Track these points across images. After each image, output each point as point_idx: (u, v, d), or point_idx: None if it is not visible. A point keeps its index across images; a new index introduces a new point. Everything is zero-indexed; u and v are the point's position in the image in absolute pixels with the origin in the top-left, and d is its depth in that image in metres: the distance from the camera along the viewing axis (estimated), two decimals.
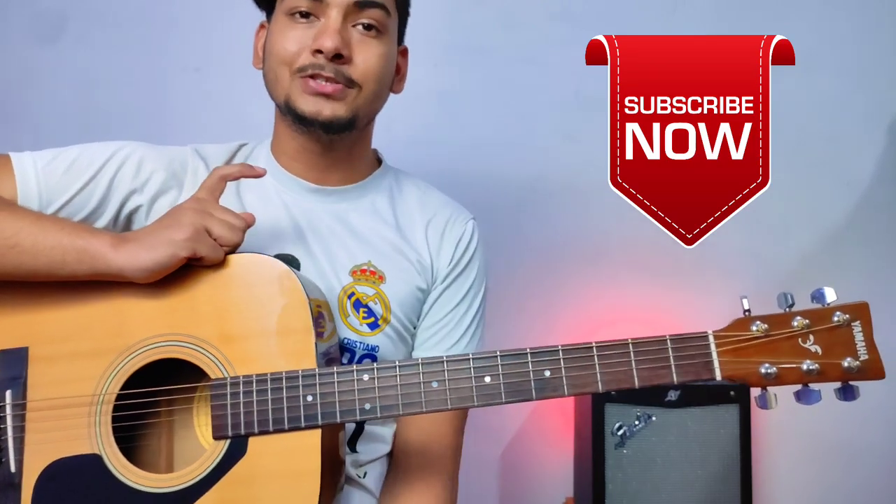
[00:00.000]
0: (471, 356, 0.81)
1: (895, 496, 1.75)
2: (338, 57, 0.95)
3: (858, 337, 0.78)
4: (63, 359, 0.87)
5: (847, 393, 0.79)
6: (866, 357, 0.78)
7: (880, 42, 1.76)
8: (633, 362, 0.80)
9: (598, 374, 0.80)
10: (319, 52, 0.95)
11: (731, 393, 1.47)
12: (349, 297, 0.98)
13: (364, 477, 0.99)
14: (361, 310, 0.99)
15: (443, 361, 0.81)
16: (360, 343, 0.98)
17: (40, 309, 0.88)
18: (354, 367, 0.82)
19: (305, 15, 0.97)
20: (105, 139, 1.00)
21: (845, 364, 0.77)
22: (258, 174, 0.92)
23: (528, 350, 0.80)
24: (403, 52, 1.10)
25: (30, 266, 0.86)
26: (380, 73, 0.99)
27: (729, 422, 1.48)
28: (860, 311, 0.79)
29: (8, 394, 0.86)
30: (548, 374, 0.80)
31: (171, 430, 0.91)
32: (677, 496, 1.47)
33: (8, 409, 0.86)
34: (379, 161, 1.13)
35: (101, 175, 0.97)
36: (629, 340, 0.79)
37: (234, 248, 0.86)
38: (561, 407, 1.78)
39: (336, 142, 1.01)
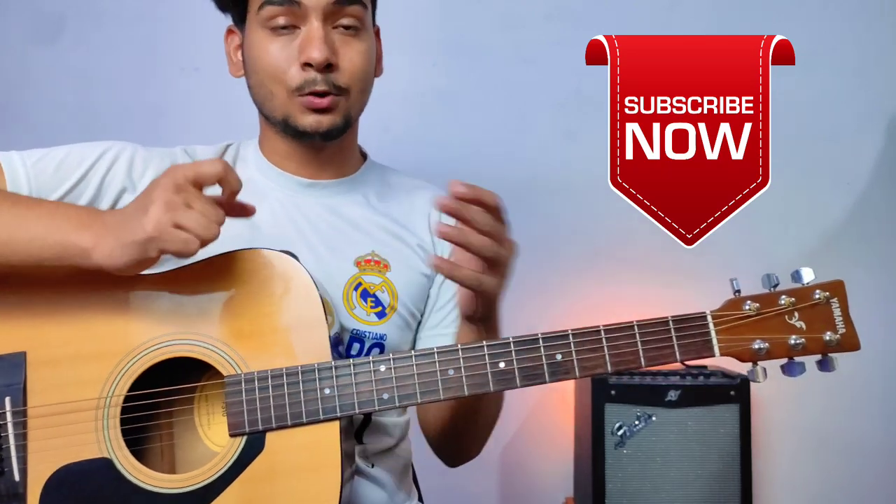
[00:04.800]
0: (485, 344, 0.88)
1: (894, 494, 1.75)
2: (327, 67, 1.00)
3: (836, 313, 0.88)
4: (64, 362, 0.90)
5: (825, 364, 0.88)
6: (844, 331, 0.87)
7: (879, 42, 1.79)
8: (638, 343, 0.87)
9: (607, 356, 0.87)
10: (309, 64, 0.99)
11: (731, 393, 1.51)
12: (356, 289, 1.05)
13: (373, 468, 1.06)
14: (369, 300, 1.05)
15: (458, 349, 0.88)
16: (369, 332, 1.05)
17: (37, 312, 0.91)
18: (371, 358, 0.89)
19: (284, 24, 1.01)
20: (104, 139, 1.06)
21: (826, 338, 0.87)
22: (247, 211, 0.90)
23: (539, 335, 0.88)
24: (377, 33, 1.15)
25: (2, 261, 0.86)
26: (365, 72, 1.06)
27: (729, 421, 1.51)
28: (837, 289, 0.89)
29: (7, 401, 0.88)
30: (559, 357, 0.87)
31: (170, 430, 0.94)
32: (677, 495, 1.49)
33: (8, 417, 0.88)
34: (364, 156, 1.20)
35: (93, 172, 1.01)
36: (634, 322, 0.88)
37: (207, 242, 0.83)
38: (561, 406, 1.79)
39: (329, 143, 1.08)
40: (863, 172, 1.85)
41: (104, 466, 0.86)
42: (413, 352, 0.89)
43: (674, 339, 0.87)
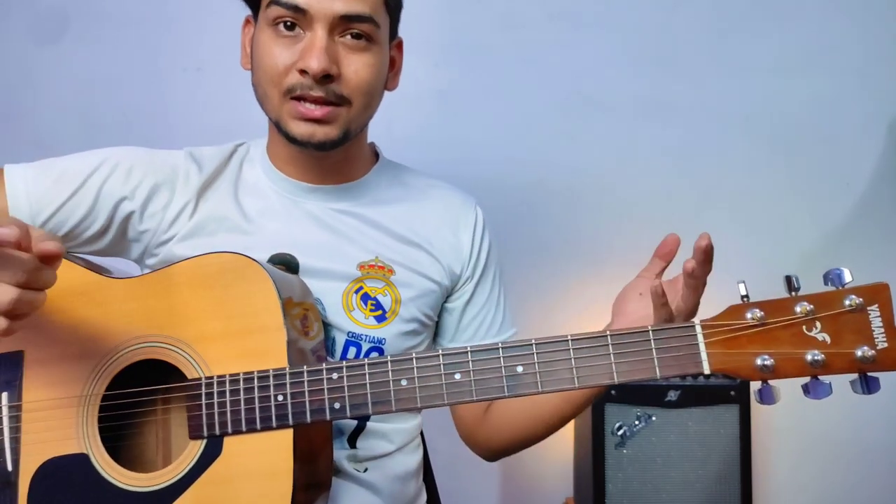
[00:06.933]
0: (440, 352, 0.83)
1: (894, 495, 1.75)
2: (325, 77, 0.96)
3: (876, 322, 0.70)
4: (55, 362, 0.94)
5: (867, 386, 0.72)
6: (885, 345, 0.70)
7: (880, 43, 1.78)
8: (611, 356, 0.77)
9: (574, 370, 0.78)
10: (305, 72, 0.96)
11: (732, 393, 1.49)
12: (356, 292, 1.03)
13: (364, 472, 1.03)
14: (369, 303, 1.03)
15: (412, 358, 0.84)
16: (366, 336, 1.03)
17: (36, 314, 0.93)
18: (324, 365, 0.86)
19: (290, 26, 0.98)
20: (106, 139, 1.05)
21: (859, 353, 0.70)
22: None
23: (499, 345, 0.81)
24: (398, 46, 1.11)
25: None
26: (371, 85, 1.01)
27: (729, 422, 1.50)
28: (878, 294, 0.71)
29: (4, 396, 0.94)
30: (520, 369, 0.79)
31: (166, 427, 0.98)
32: (677, 496, 1.49)
33: (4, 411, 0.94)
34: (376, 155, 1.17)
35: (89, 184, 1.02)
36: (607, 332, 0.78)
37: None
38: None
39: (329, 153, 1.04)
40: (863, 173, 1.83)
41: (81, 461, 0.90)
42: (367, 360, 0.85)
43: (653, 351, 0.75)
